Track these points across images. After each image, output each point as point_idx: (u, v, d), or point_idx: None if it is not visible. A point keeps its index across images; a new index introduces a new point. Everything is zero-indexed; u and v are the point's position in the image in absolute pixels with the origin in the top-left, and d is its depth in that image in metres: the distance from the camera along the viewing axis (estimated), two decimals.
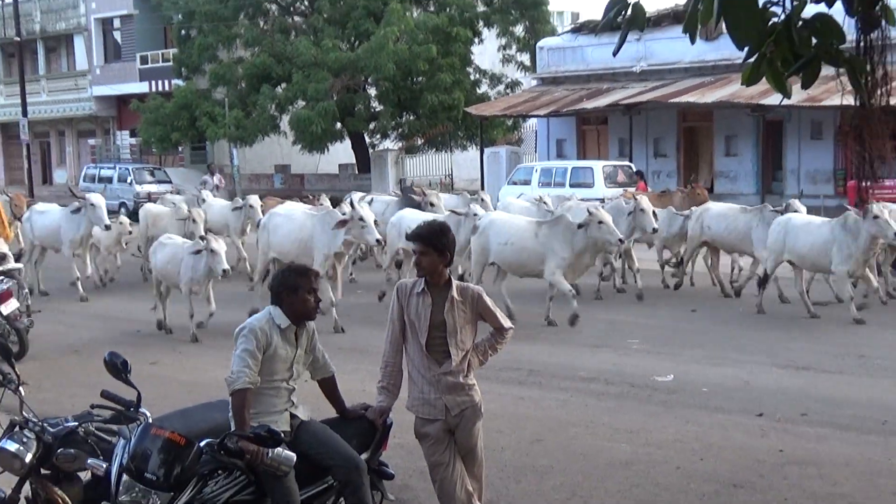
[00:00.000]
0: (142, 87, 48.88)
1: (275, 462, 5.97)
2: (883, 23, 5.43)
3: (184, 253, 15.78)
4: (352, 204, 16.49)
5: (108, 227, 20.85)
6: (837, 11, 5.28)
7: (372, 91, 41.85)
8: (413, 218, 17.63)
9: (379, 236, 16.45)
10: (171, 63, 45.87)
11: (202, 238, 15.96)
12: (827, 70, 5.40)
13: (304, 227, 17.41)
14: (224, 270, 15.59)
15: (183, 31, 44.65)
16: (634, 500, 8.36)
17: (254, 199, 22.32)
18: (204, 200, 24.62)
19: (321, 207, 19.79)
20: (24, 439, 6.78)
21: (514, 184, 32.33)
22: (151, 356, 13.59)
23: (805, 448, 9.50)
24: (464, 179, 45.41)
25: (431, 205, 21.72)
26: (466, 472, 6.83)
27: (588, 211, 16.97)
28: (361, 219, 15.98)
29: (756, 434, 9.99)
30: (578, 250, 16.40)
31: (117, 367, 6.58)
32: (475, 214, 18.13)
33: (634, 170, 32.25)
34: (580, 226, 16.03)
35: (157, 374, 12.08)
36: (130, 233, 22.37)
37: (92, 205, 20.59)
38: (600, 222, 16.23)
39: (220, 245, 15.89)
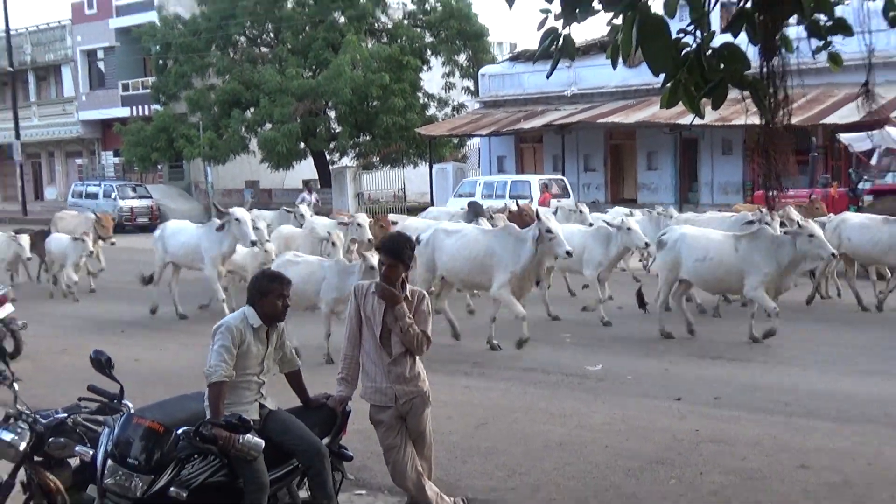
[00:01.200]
0: (124, 112, 48.54)
1: (245, 447, 5.96)
2: (782, 50, 5.50)
3: (325, 272, 13.94)
4: (538, 216, 13.82)
5: (253, 244, 17.62)
6: (742, 41, 5.35)
7: (332, 114, 41.82)
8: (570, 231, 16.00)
9: (569, 247, 13.78)
10: (150, 90, 45.59)
11: (361, 256, 13.87)
12: (734, 93, 5.47)
13: (478, 245, 14.66)
14: None
15: (160, 62, 44.35)
16: (568, 476, 8.39)
17: (362, 218, 18.75)
18: (302, 216, 21.49)
19: (497, 223, 16.90)
20: (19, 430, 6.75)
21: (461, 196, 32.36)
22: (135, 354, 13.50)
23: (718, 428, 9.63)
24: (415, 192, 45.64)
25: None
26: (417, 454, 6.86)
27: (798, 224, 14.61)
28: (549, 231, 13.35)
29: (675, 416, 10.10)
30: (784, 265, 14.16)
31: (101, 364, 6.54)
32: (629, 228, 15.60)
33: (567, 183, 32.47)
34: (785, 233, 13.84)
35: (139, 370, 11.98)
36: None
37: (237, 220, 17.49)
38: (811, 235, 13.94)
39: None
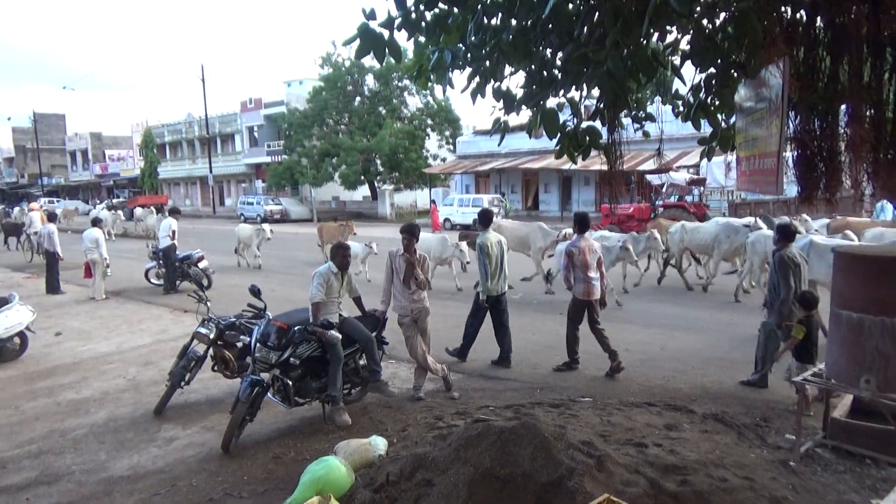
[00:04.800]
0: (267, 159, 47.87)
1: (330, 338, 5.92)
2: (618, 129, 5.40)
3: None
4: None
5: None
6: (598, 124, 5.27)
7: (378, 161, 41.38)
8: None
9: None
10: (281, 148, 45.01)
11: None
12: (594, 152, 5.38)
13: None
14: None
15: (287, 133, 43.85)
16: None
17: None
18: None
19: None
20: (209, 327, 6.73)
21: (446, 206, 32.44)
22: (273, 287, 13.40)
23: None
24: (422, 203, 45.25)
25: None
26: (422, 341, 6.82)
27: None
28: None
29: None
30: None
31: (255, 292, 6.50)
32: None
33: (502, 199, 32.50)
34: None
35: (273, 296, 11.89)
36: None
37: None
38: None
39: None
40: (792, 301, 6.36)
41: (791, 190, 4.56)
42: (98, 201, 53.90)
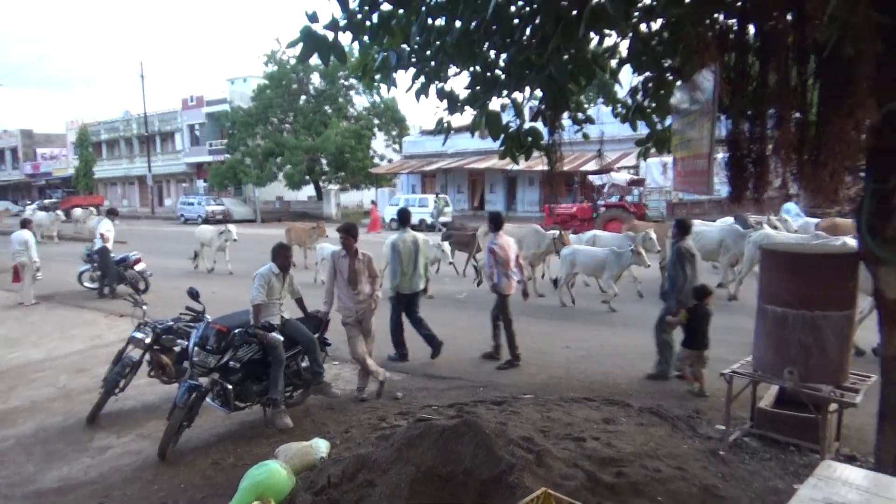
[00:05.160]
0: (209, 158, 46.72)
1: (272, 340, 5.83)
2: (559, 131, 5.47)
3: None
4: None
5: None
6: (540, 125, 5.34)
7: (323, 160, 40.81)
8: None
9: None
10: (224, 147, 43.92)
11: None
12: (537, 152, 5.45)
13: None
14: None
15: (230, 131, 42.84)
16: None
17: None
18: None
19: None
20: (145, 331, 6.53)
21: (392, 206, 31.98)
22: (213, 289, 13.09)
23: (524, 329, 9.50)
24: (368, 203, 45.00)
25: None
26: (365, 342, 6.77)
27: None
28: None
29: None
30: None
31: (193, 295, 6.32)
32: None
33: (448, 199, 32.52)
34: None
35: (214, 299, 11.62)
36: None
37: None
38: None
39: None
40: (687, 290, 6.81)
41: (724, 190, 4.72)
42: (28, 202, 51.48)
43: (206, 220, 36.20)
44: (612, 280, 10.91)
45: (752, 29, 4.32)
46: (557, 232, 12.09)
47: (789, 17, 3.77)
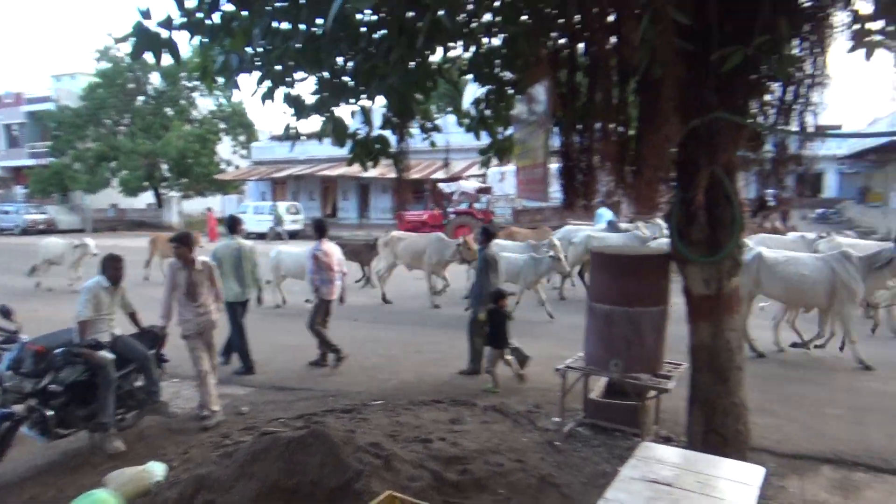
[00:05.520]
0: (30, 162, 42.10)
1: (99, 358, 5.37)
2: (406, 138, 5.53)
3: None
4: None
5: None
6: (388, 133, 5.39)
7: (164, 166, 38.21)
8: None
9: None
10: (49, 149, 39.67)
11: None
12: (387, 161, 5.49)
13: None
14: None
15: (56, 133, 38.77)
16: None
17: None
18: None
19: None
20: None
21: (241, 213, 30.43)
22: (33, 307, 11.80)
23: (375, 335, 9.50)
24: (215, 211, 42.87)
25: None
26: (209, 355, 6.41)
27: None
28: None
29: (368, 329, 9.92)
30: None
31: (4, 312, 5.66)
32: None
33: (299, 207, 31.78)
34: None
35: (35, 317, 10.49)
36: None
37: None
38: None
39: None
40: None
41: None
42: None
43: (26, 231, 32.73)
44: (526, 288, 10.76)
45: (581, 48, 4.66)
46: (462, 239, 12.18)
47: (613, 39, 4.10)
